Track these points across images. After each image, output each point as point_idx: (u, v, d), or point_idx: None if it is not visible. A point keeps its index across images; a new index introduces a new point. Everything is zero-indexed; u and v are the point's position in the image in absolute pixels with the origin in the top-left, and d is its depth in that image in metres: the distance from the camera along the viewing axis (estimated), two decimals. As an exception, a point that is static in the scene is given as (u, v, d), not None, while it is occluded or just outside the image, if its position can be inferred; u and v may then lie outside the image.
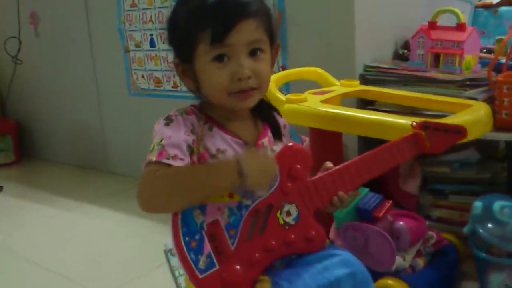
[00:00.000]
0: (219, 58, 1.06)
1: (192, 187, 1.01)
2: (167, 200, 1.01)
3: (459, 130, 1.21)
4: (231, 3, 1.04)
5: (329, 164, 1.17)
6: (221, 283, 1.03)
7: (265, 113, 1.21)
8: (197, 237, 1.03)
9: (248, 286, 1.05)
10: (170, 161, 1.01)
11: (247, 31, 1.05)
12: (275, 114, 1.23)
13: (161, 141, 1.04)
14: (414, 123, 1.22)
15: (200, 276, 1.02)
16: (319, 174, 1.15)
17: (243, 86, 1.06)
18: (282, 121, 1.25)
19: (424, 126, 1.21)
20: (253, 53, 1.07)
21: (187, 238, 1.02)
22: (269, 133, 1.19)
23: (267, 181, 1.06)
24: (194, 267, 1.02)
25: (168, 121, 1.08)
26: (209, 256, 1.03)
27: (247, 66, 1.06)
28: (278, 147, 1.18)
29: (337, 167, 1.16)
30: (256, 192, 1.07)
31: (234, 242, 1.05)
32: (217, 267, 1.03)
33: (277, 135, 1.21)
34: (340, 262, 1.09)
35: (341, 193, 1.14)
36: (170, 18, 1.12)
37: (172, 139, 1.04)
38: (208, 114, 1.13)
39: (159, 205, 1.02)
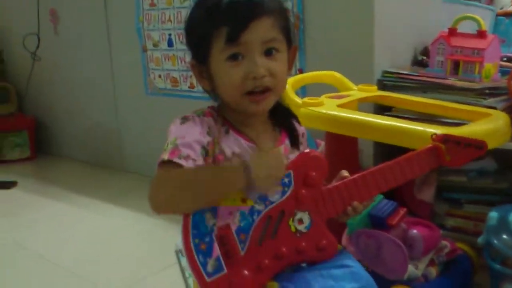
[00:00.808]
0: (234, 57, 1.05)
1: (201, 190, 1.00)
2: (177, 203, 1.01)
3: (481, 146, 1.18)
4: (246, 2, 1.03)
5: (345, 173, 1.15)
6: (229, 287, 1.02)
7: (283, 120, 1.19)
8: (207, 239, 1.02)
9: None
10: (182, 161, 1.01)
11: (262, 30, 1.04)
12: (294, 121, 1.21)
13: (175, 140, 1.04)
14: (434, 136, 1.19)
15: (208, 280, 1.01)
16: (334, 183, 1.13)
17: (257, 85, 1.05)
18: (301, 129, 1.23)
19: (444, 139, 1.18)
20: (268, 52, 1.06)
21: (196, 240, 1.02)
22: (286, 141, 1.17)
23: (276, 181, 1.04)
24: (202, 270, 1.01)
25: (184, 120, 1.08)
26: (218, 259, 1.02)
27: (261, 65, 1.04)
28: (293, 156, 1.16)
29: (352, 177, 1.14)
30: (266, 194, 1.06)
31: (244, 247, 1.04)
32: (225, 271, 1.02)
33: (295, 143, 1.19)
34: (350, 274, 1.07)
35: (355, 203, 1.12)
36: (188, 19, 1.12)
37: (186, 138, 1.04)
38: (225, 116, 1.12)
39: (169, 207, 1.02)
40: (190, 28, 1.12)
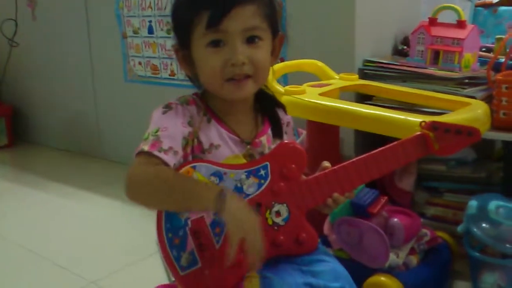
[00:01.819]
0: (215, 44, 1.03)
1: (172, 198, 0.99)
2: (147, 199, 1.00)
3: (472, 132, 1.12)
4: None
5: (326, 163, 1.13)
6: (203, 281, 1.01)
7: (267, 108, 1.17)
8: (180, 233, 1.01)
9: (232, 285, 1.03)
10: (162, 155, 0.99)
11: (244, 17, 1.02)
12: (280, 111, 1.19)
13: (156, 131, 1.02)
14: (423, 123, 1.13)
15: (182, 273, 1.01)
16: (315, 174, 1.11)
17: (237, 72, 1.03)
18: (286, 118, 1.21)
19: (433, 127, 1.12)
20: (250, 40, 1.04)
21: (170, 235, 1.01)
22: (269, 130, 1.15)
23: (244, 234, 0.95)
24: (176, 263, 1.01)
25: (167, 109, 1.06)
26: (191, 253, 1.01)
27: (241, 52, 1.03)
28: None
29: (333, 168, 1.10)
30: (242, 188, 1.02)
31: (219, 240, 1.02)
32: (200, 265, 1.01)
33: (278, 133, 1.16)
34: (330, 272, 1.06)
35: (336, 194, 1.09)
36: (173, 3, 1.11)
37: (169, 130, 1.02)
38: (208, 104, 1.11)
39: (140, 200, 1.01)
40: (174, 13, 1.11)
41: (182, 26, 1.07)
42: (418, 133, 1.13)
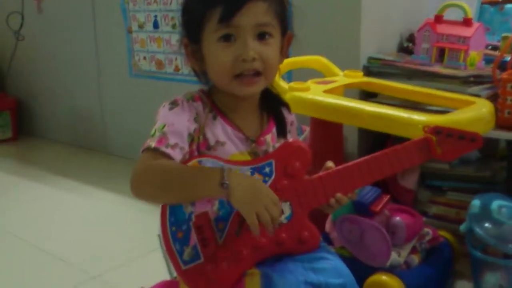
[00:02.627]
0: (226, 38, 1.04)
1: (178, 188, 0.99)
2: (154, 193, 1.01)
3: (474, 138, 1.13)
4: None
5: (330, 163, 1.13)
6: (205, 276, 1.01)
7: (272, 107, 1.18)
8: (184, 227, 1.01)
9: (234, 281, 1.03)
10: (169, 150, 1.00)
11: (256, 13, 1.03)
12: (284, 110, 1.20)
13: (163, 127, 1.03)
14: (426, 127, 1.14)
15: (184, 268, 1.01)
16: (319, 173, 1.11)
17: (247, 68, 1.04)
18: (290, 117, 1.22)
19: (436, 131, 1.13)
20: (261, 36, 1.05)
21: (173, 228, 1.01)
22: (274, 129, 1.16)
23: (258, 209, 0.97)
24: (178, 257, 1.01)
25: (174, 105, 1.07)
26: (194, 248, 1.01)
27: (252, 48, 1.03)
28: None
29: (337, 168, 1.11)
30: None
31: (222, 236, 1.03)
32: (202, 259, 1.02)
33: (282, 132, 1.17)
34: (332, 269, 1.06)
35: (339, 194, 1.10)
36: None
37: (175, 126, 1.03)
38: (214, 101, 1.12)
39: (146, 195, 1.02)
40: (186, 6, 1.11)
41: (194, 20, 1.08)
42: (421, 137, 1.14)
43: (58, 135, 3.69)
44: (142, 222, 2.26)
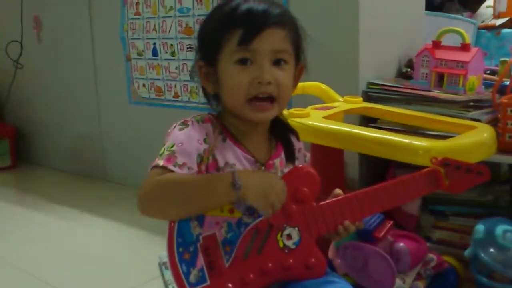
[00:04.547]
0: (243, 62, 1.06)
1: (189, 197, 1.00)
2: (164, 206, 1.00)
3: (481, 172, 1.15)
4: (263, 10, 1.06)
5: (338, 191, 1.15)
6: None
7: (281, 133, 1.19)
8: (191, 249, 1.01)
9: None
10: (176, 169, 1.01)
11: (274, 39, 1.06)
12: (292, 136, 1.22)
13: (172, 146, 1.04)
14: (434, 159, 1.16)
15: None
16: (327, 200, 1.12)
17: (262, 91, 1.06)
18: (298, 144, 1.23)
19: (444, 163, 1.15)
20: (277, 62, 1.08)
21: (181, 249, 1.00)
22: (282, 154, 1.17)
23: (272, 200, 1.02)
24: (184, 279, 1.00)
25: (184, 126, 1.08)
26: (201, 270, 1.01)
27: (268, 71, 1.05)
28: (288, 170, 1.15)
29: (346, 195, 1.13)
30: (261, 211, 1.03)
31: (229, 259, 1.03)
32: (208, 282, 1.01)
33: (290, 157, 1.18)
34: None
35: (347, 222, 1.11)
36: (204, 21, 1.14)
37: (184, 146, 1.04)
38: (224, 124, 1.12)
39: (156, 209, 1.01)
40: (204, 29, 1.13)
41: (212, 41, 1.09)
42: (429, 168, 1.16)
43: (57, 163, 3.67)
44: (142, 250, 2.24)
